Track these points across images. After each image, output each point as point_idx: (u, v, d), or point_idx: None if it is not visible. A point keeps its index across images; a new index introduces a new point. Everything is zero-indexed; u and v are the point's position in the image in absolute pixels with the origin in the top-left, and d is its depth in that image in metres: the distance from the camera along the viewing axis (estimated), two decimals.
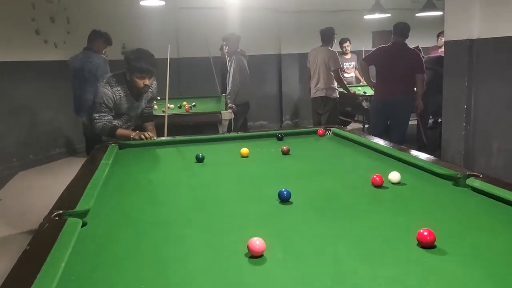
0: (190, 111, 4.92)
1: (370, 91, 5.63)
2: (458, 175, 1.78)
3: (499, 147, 3.49)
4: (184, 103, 5.44)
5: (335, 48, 6.24)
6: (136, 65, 3.06)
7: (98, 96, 3.06)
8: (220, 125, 4.42)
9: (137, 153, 2.67)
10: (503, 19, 3.36)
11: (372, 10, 6.39)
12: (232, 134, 3.33)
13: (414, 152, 2.26)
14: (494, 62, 3.49)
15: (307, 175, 2.08)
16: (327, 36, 5.49)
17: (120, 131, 3.05)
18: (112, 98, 3.06)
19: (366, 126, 5.88)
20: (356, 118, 6.54)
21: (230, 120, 4.51)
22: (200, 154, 2.37)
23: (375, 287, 1.05)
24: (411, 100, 4.69)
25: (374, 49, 5.33)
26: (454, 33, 3.77)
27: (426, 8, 6.55)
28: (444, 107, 3.98)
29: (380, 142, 2.53)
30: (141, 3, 5.68)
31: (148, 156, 2.62)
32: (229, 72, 5.22)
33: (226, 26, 6.74)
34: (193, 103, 5.41)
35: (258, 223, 1.50)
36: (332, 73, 5.42)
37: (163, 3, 5.63)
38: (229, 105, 5.00)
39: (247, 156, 2.43)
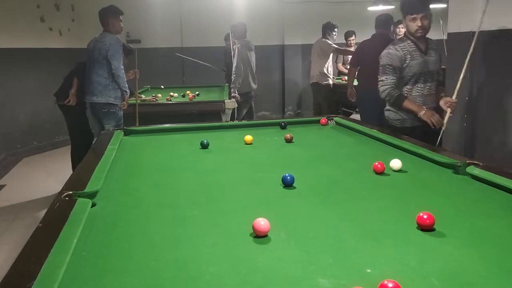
0: (194, 100, 4.96)
1: None
2: (458, 163, 1.82)
3: (499, 139, 3.52)
4: (188, 92, 5.48)
5: (340, 40, 6.33)
6: (404, 2, 2.76)
7: (383, 59, 2.84)
8: (223, 114, 4.46)
9: (143, 139, 2.71)
10: (506, 11, 3.37)
11: (376, 2, 6.37)
12: (236, 122, 3.37)
13: (415, 141, 2.30)
14: (496, 54, 3.50)
15: (310, 162, 2.12)
16: (323, 29, 6.08)
17: (407, 104, 2.74)
18: (397, 55, 2.75)
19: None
20: (357, 110, 6.55)
21: (233, 109, 4.55)
22: (205, 141, 2.42)
23: (375, 265, 1.09)
24: None
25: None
26: (457, 25, 3.78)
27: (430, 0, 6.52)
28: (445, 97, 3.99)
29: (381, 131, 2.57)
30: None
31: (154, 142, 2.65)
32: (233, 62, 5.24)
33: (230, 16, 6.75)
34: (197, 92, 5.45)
35: (262, 205, 1.54)
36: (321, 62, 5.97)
37: None
38: (232, 94, 5.03)
39: (251, 143, 2.47)
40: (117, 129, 2.85)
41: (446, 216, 1.37)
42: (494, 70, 3.54)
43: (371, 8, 6.57)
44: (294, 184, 1.70)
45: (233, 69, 5.15)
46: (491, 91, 3.56)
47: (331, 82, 6.16)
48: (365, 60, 4.70)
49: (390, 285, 0.95)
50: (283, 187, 1.70)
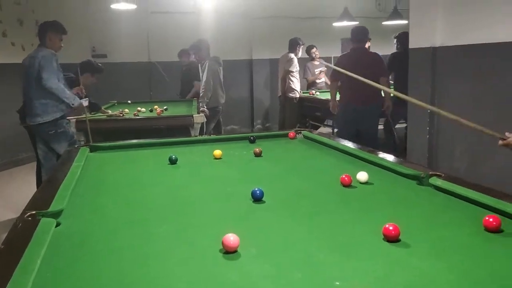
0: (162, 114, 4.92)
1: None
2: (422, 175, 1.87)
3: (461, 150, 3.65)
4: (156, 106, 5.43)
5: (304, 55, 6.52)
6: None
7: None
8: (192, 129, 4.44)
9: (110, 155, 2.67)
10: (464, 28, 3.54)
11: (341, 18, 6.57)
12: (205, 136, 3.37)
13: (380, 154, 2.36)
14: (455, 68, 3.66)
15: (279, 175, 2.14)
16: (290, 44, 6.37)
17: None
18: None
19: (336, 130, 6.02)
20: (325, 123, 6.68)
21: (202, 123, 4.54)
22: (173, 156, 2.40)
23: (344, 278, 1.10)
24: (379, 106, 4.73)
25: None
26: (418, 41, 3.93)
27: (392, 17, 6.77)
28: (409, 111, 4.13)
29: (348, 144, 2.62)
30: (112, 6, 5.66)
31: (121, 158, 2.61)
32: (202, 77, 5.27)
33: (198, 31, 6.78)
34: (165, 107, 5.41)
35: (232, 221, 1.54)
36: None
37: (134, 6, 5.63)
38: (201, 108, 5.03)
39: (220, 158, 2.47)
40: (83, 146, 2.79)
41: (411, 227, 1.40)
42: (454, 84, 3.69)
43: (336, 24, 6.76)
44: (263, 198, 1.71)
45: (202, 83, 5.17)
46: (452, 103, 3.70)
47: (297, 95, 6.30)
48: (345, 75, 4.79)
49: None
50: (253, 201, 1.71)
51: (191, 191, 1.91)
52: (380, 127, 5.46)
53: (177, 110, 5.44)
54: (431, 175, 1.85)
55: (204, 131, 4.79)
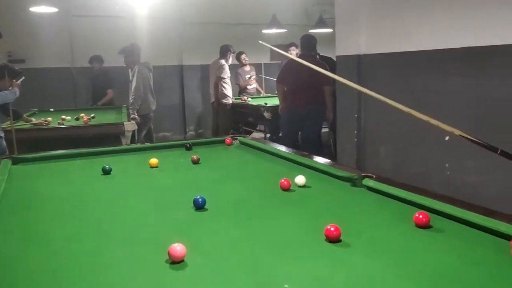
0: (90, 123, 4.71)
1: (271, 102, 5.93)
2: (355, 177, 1.97)
3: (386, 151, 3.88)
4: (82, 114, 5.18)
5: (234, 61, 6.61)
6: None
7: None
8: (123, 137, 4.30)
9: (36, 167, 2.50)
10: (385, 38, 3.77)
11: (270, 25, 6.71)
12: (138, 145, 3.28)
13: (315, 158, 2.45)
14: (378, 75, 3.89)
15: (219, 182, 2.14)
16: (221, 50, 6.38)
17: None
18: None
19: (268, 135, 6.13)
20: (258, 128, 6.77)
21: (134, 131, 4.42)
22: (107, 166, 2.31)
23: (291, 279, 1.13)
24: (321, 112, 4.83)
25: (273, 61, 5.64)
26: (344, 49, 4.13)
27: (317, 25, 7.04)
28: (338, 116, 4.32)
29: (283, 149, 2.68)
30: (31, 9, 5.34)
31: (49, 170, 2.47)
32: (131, 83, 5.12)
33: (125, 36, 6.58)
34: (92, 115, 5.18)
35: (175, 230, 1.52)
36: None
37: (55, 10, 5.34)
38: (131, 116, 4.89)
39: (156, 167, 2.42)
40: (3, 157, 2.60)
41: (350, 227, 1.46)
42: (378, 89, 3.91)
43: (265, 31, 6.90)
44: (205, 206, 1.70)
45: (132, 90, 5.03)
46: (376, 108, 3.93)
47: (230, 101, 6.34)
48: (290, 79, 4.87)
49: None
50: (195, 209, 1.69)
51: (129, 202, 1.85)
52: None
53: (105, 118, 5.24)
54: (364, 177, 1.95)
55: (136, 139, 4.66)
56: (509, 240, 1.26)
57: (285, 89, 4.96)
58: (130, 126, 4.29)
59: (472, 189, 3.00)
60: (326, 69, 4.76)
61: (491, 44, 2.94)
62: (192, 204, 1.70)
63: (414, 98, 3.61)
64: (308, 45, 4.89)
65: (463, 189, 3.10)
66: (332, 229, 1.36)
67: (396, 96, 3.74)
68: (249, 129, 6.48)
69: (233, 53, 6.46)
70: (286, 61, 5.36)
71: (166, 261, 1.24)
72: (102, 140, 4.06)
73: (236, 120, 6.55)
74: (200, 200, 1.70)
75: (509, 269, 1.16)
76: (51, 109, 5.82)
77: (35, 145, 3.86)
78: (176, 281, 1.14)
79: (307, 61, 4.83)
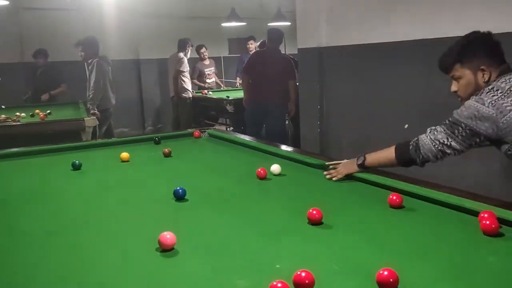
0: (47, 119, 4.55)
1: (233, 95, 5.95)
2: (327, 163, 2.05)
3: (347, 140, 4.02)
4: (37, 111, 4.99)
5: (193, 54, 6.57)
6: None
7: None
8: (84, 133, 4.20)
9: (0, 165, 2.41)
10: (344, 30, 3.90)
11: (229, 18, 6.72)
12: (105, 140, 3.22)
13: (283, 147, 2.52)
14: (339, 66, 4.01)
15: (194, 173, 2.16)
16: (179, 44, 6.31)
17: None
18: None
19: (230, 128, 6.15)
20: (219, 121, 6.78)
21: (94, 127, 4.32)
22: (77, 162, 2.27)
23: (282, 260, 1.19)
24: (285, 106, 4.90)
25: (236, 55, 5.67)
26: (305, 41, 4.23)
27: (276, 18, 7.12)
28: (301, 108, 4.42)
29: (252, 139, 2.74)
30: None
31: (13, 167, 2.38)
32: (90, 77, 4.99)
33: (79, 29, 6.38)
34: (48, 111, 5.00)
35: (159, 221, 1.53)
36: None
37: (6, 2, 5.11)
38: (92, 111, 4.77)
39: (128, 161, 2.40)
40: None
41: (328, 210, 1.53)
42: (337, 81, 4.04)
43: (224, 24, 6.90)
44: (185, 197, 1.72)
45: (92, 84, 4.90)
46: (338, 98, 4.06)
47: (190, 95, 6.31)
48: (255, 72, 4.89)
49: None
50: (175, 200, 1.71)
51: (106, 196, 1.84)
52: None
53: (63, 114, 5.07)
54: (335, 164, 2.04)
55: (97, 135, 4.56)
56: (476, 216, 1.38)
57: (250, 81, 5.00)
58: (91, 122, 4.19)
59: (431, 174, 3.18)
60: (291, 64, 4.90)
61: (444, 36, 3.12)
62: (172, 196, 1.72)
63: (370, 89, 3.76)
64: (277, 39, 4.91)
65: (422, 175, 3.27)
66: (314, 212, 1.43)
67: (355, 87, 3.90)
68: (211, 123, 6.48)
69: (192, 46, 6.42)
70: (250, 54, 5.39)
71: (156, 249, 1.26)
72: (61, 136, 3.94)
73: (197, 114, 6.52)
74: (180, 191, 1.72)
75: (476, 240, 1.27)
76: (3, 106, 5.56)
77: None
78: (172, 267, 1.17)
79: (273, 55, 4.95)
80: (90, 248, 1.31)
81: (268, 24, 7.09)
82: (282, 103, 4.88)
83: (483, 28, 1.80)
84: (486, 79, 1.70)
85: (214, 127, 6.21)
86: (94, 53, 5.04)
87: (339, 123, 4.08)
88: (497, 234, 1.28)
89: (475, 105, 1.60)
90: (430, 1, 3.21)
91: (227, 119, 6.37)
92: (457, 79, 1.77)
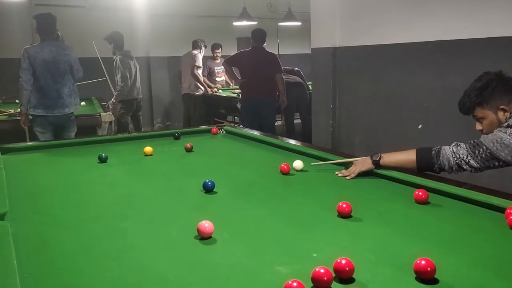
0: None
1: None
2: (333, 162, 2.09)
3: (360, 139, 4.07)
4: None
5: (208, 52, 6.63)
6: None
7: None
8: (100, 128, 4.27)
9: (27, 157, 2.47)
10: (358, 31, 3.95)
11: (240, 18, 6.76)
12: (125, 135, 3.28)
13: (302, 144, 2.56)
14: (352, 66, 4.07)
15: (218, 168, 2.21)
16: (193, 43, 6.39)
17: None
18: None
19: (240, 126, 6.19)
20: (228, 119, 6.82)
21: (111, 122, 4.39)
22: (103, 154, 2.32)
23: (318, 249, 1.24)
24: (275, 100, 5.18)
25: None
26: (319, 41, 4.28)
27: (286, 18, 7.17)
28: (313, 106, 4.47)
29: (270, 136, 2.79)
30: None
31: (41, 159, 2.44)
32: (116, 72, 5.15)
33: (92, 27, 6.46)
34: None
35: (192, 211, 1.58)
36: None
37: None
38: (113, 102, 4.96)
39: (151, 155, 2.46)
40: None
41: (355, 204, 1.58)
42: (351, 80, 4.09)
43: (236, 23, 6.95)
44: (214, 189, 1.77)
45: (119, 79, 5.07)
46: (350, 97, 4.11)
47: (202, 92, 6.36)
48: (243, 70, 5.16)
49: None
50: (204, 192, 1.76)
51: (137, 187, 1.89)
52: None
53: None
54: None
55: (113, 130, 4.65)
56: (502, 212, 1.43)
57: (239, 77, 5.28)
58: (107, 117, 4.26)
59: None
60: (276, 59, 5.07)
61: (458, 38, 3.16)
62: (200, 188, 1.77)
63: (384, 89, 3.81)
64: (261, 38, 5.11)
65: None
66: (344, 205, 1.48)
67: (368, 87, 3.94)
68: (220, 120, 6.52)
69: (205, 47, 6.49)
70: (238, 52, 5.67)
71: (195, 237, 1.31)
72: (77, 131, 4.00)
73: (207, 112, 6.57)
74: (209, 183, 1.77)
75: (504, 234, 1.32)
76: (17, 101, 5.63)
77: (7, 136, 3.75)
78: (212, 252, 1.22)
79: (258, 53, 5.10)
80: (131, 234, 1.37)
81: (278, 24, 7.15)
82: (273, 99, 5.16)
83: (497, 32, 1.85)
84: (508, 116, 1.81)
85: (223, 124, 6.30)
86: (120, 47, 5.17)
87: (352, 122, 4.13)
88: None
89: (499, 134, 1.74)
90: (445, 2, 3.25)
91: (235, 117, 6.41)
92: (480, 119, 1.88)
